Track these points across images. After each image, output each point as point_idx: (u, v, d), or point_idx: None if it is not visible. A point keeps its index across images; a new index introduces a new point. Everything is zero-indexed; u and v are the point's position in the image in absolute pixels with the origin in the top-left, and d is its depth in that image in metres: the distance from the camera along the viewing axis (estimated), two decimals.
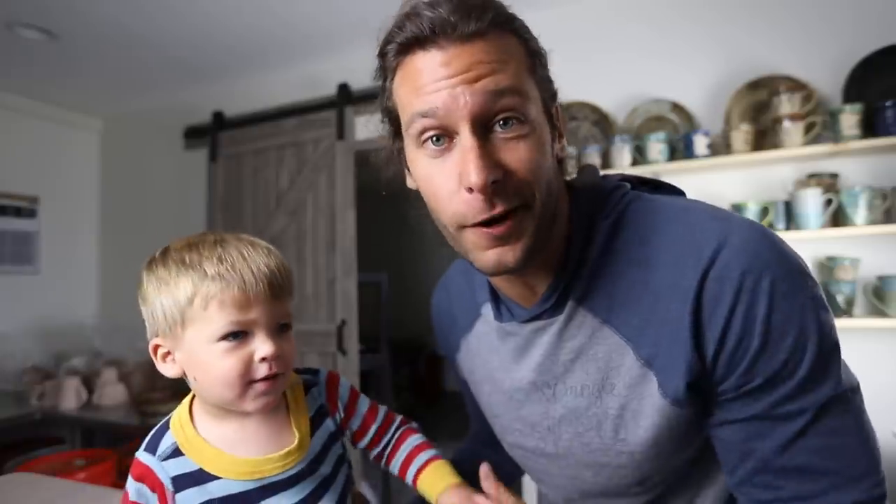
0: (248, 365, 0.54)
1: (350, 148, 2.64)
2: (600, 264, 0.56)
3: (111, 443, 2.54)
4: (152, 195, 3.25)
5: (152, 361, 0.59)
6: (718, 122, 1.94)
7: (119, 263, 3.36)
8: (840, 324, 1.67)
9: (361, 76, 2.62)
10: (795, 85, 1.81)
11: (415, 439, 0.72)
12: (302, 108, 2.74)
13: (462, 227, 0.51)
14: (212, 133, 2.98)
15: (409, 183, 0.59)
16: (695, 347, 0.50)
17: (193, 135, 3.07)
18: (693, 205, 0.56)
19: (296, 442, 0.59)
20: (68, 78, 2.83)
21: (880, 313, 1.67)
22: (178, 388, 2.33)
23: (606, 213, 0.57)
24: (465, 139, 0.48)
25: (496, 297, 0.65)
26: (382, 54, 0.54)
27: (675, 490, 0.61)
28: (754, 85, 1.89)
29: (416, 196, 0.59)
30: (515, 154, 0.49)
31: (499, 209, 0.49)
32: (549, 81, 0.55)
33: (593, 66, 2.14)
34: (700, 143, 1.86)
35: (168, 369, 0.58)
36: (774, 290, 0.48)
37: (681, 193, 0.64)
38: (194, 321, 0.54)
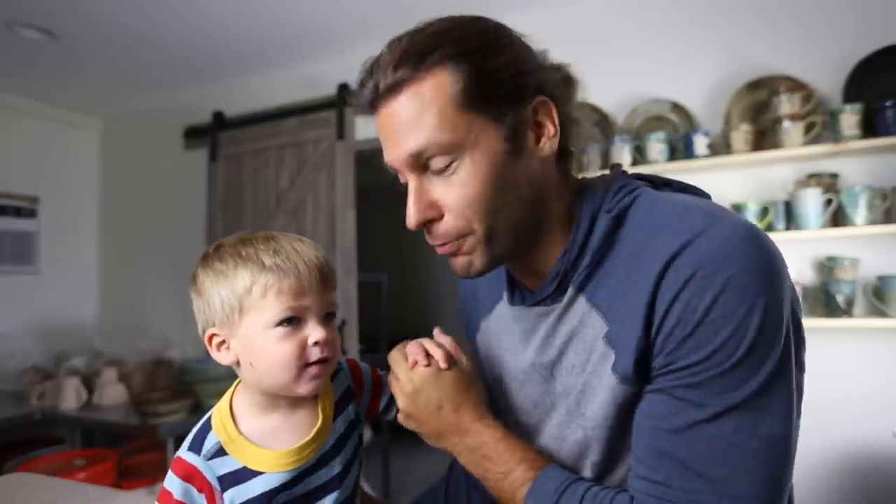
0: (303, 349, 0.58)
1: (350, 148, 2.64)
2: (600, 254, 0.58)
3: (111, 443, 2.54)
4: (152, 195, 3.25)
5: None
6: (718, 122, 1.94)
7: (119, 263, 3.36)
8: (840, 324, 1.67)
9: None
10: (795, 85, 1.81)
11: None
12: (302, 108, 2.74)
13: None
14: (212, 133, 2.98)
15: None
16: (644, 327, 0.52)
17: (193, 135, 3.07)
18: (697, 202, 0.57)
19: (320, 421, 0.63)
20: (68, 78, 2.83)
21: (880, 313, 1.67)
22: (178, 389, 2.33)
23: (610, 207, 0.59)
24: (410, 183, 0.58)
25: (512, 282, 0.69)
26: None
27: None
28: (754, 85, 1.89)
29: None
30: (448, 193, 0.56)
31: (437, 242, 0.59)
32: (509, 89, 0.56)
33: (593, 67, 2.12)
34: (700, 143, 1.86)
35: (223, 357, 0.61)
36: (726, 286, 0.49)
37: (706, 196, 0.64)
38: (252, 309, 0.58)
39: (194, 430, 0.60)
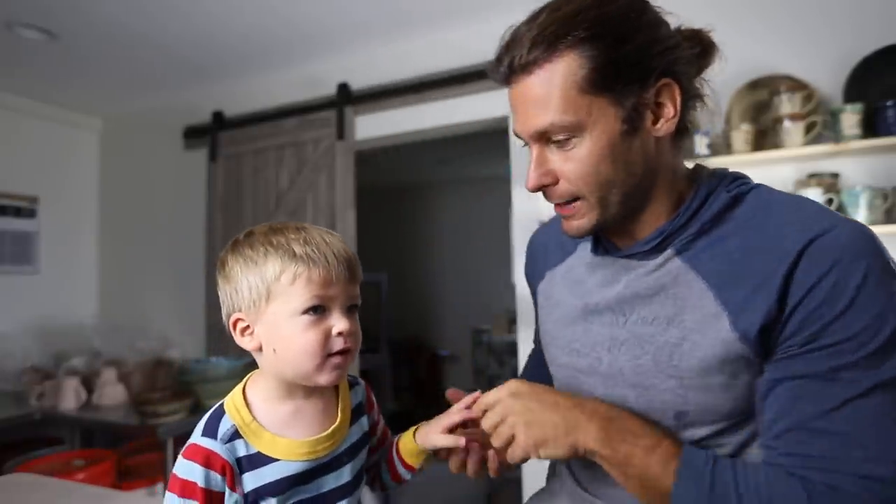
0: (327, 338, 0.59)
1: (350, 148, 2.64)
2: (710, 227, 0.63)
3: (111, 443, 2.54)
4: (152, 195, 3.25)
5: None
6: (719, 121, 1.93)
7: (119, 263, 3.36)
8: None
9: (361, 76, 2.62)
10: (796, 85, 1.81)
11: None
12: (302, 108, 2.74)
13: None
14: (212, 133, 2.98)
15: None
16: (778, 299, 0.55)
17: (193, 135, 3.06)
18: (815, 203, 0.63)
19: (338, 420, 0.64)
20: (68, 78, 2.83)
21: None
22: (178, 389, 2.33)
23: (730, 189, 0.65)
24: (533, 150, 0.65)
25: (597, 236, 0.74)
26: None
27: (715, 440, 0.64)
28: (755, 85, 1.88)
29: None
30: (566, 163, 0.62)
31: (554, 201, 0.66)
32: (631, 70, 0.60)
33: None
34: (700, 143, 1.86)
35: (247, 342, 0.62)
36: (869, 272, 0.53)
37: None
38: (279, 296, 0.59)
39: (205, 418, 0.60)
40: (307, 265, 0.59)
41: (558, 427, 0.61)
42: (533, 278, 0.88)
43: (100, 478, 1.93)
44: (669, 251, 0.65)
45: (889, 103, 1.64)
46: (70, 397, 2.38)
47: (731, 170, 0.69)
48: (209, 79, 2.90)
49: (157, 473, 2.18)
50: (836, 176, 1.77)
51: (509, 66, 0.62)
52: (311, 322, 0.59)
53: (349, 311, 0.62)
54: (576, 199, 0.64)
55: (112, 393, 2.42)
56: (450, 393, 0.76)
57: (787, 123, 1.74)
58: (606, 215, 0.64)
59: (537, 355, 0.93)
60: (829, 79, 1.81)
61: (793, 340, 0.55)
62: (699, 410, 0.62)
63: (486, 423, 0.65)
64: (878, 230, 1.62)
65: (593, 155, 0.61)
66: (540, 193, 0.67)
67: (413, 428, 0.72)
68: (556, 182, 0.64)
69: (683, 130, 0.67)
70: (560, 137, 0.61)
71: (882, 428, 0.52)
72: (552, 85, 0.60)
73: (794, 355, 0.55)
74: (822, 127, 1.76)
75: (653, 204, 0.66)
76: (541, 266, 0.85)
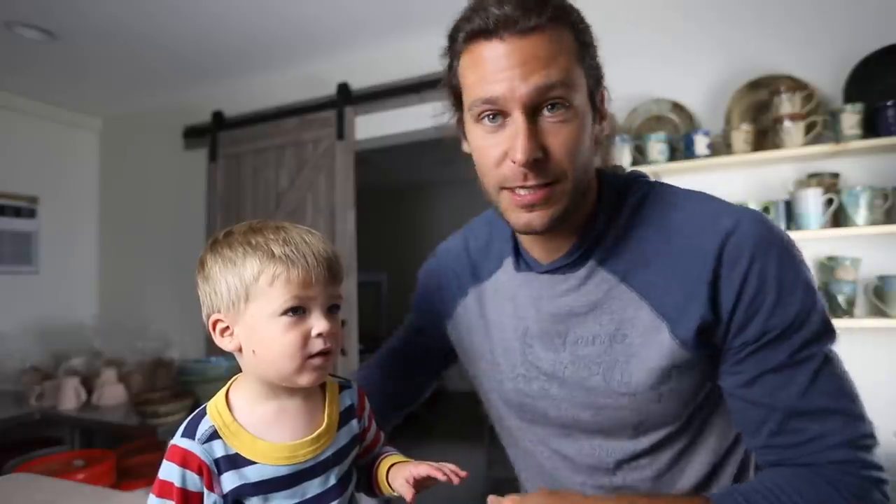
0: (307, 340, 0.58)
1: (350, 148, 2.64)
2: (625, 232, 0.65)
3: (110, 443, 2.53)
4: (152, 195, 3.25)
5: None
6: (719, 121, 1.93)
7: (118, 263, 3.36)
8: (841, 324, 1.66)
9: (361, 76, 2.62)
10: (796, 84, 1.81)
11: (387, 448, 0.75)
12: (302, 108, 2.74)
13: (502, 188, 0.61)
14: (212, 133, 2.98)
15: (465, 147, 0.69)
16: (710, 300, 0.59)
17: (193, 135, 3.06)
18: (708, 194, 0.66)
19: (324, 425, 0.62)
20: (68, 78, 2.83)
21: (881, 313, 1.67)
22: (178, 389, 2.33)
23: (634, 192, 0.67)
24: (518, 121, 0.58)
25: (517, 251, 0.73)
26: (452, 39, 0.62)
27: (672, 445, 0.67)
28: (755, 85, 1.88)
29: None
30: (558, 137, 0.58)
31: (531, 182, 0.59)
32: (597, 69, 0.64)
33: None
34: (700, 143, 1.86)
35: (226, 343, 0.61)
36: (782, 257, 0.58)
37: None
38: (258, 297, 0.58)
39: (187, 419, 0.60)
40: (286, 266, 0.58)
41: None
42: (448, 296, 0.83)
43: (100, 478, 1.92)
44: (592, 262, 0.65)
45: (889, 103, 1.64)
46: (70, 397, 2.38)
47: (615, 168, 0.72)
48: (209, 79, 2.90)
49: (157, 473, 2.18)
50: (836, 176, 1.77)
51: (508, 20, 0.56)
52: (290, 323, 0.58)
53: (330, 311, 0.61)
54: (557, 181, 0.60)
55: (112, 393, 2.42)
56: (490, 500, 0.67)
57: (787, 123, 1.74)
58: (570, 206, 0.62)
59: (403, 349, 0.92)
60: (829, 79, 1.81)
61: (745, 336, 0.58)
62: (655, 418, 0.64)
63: None
64: (878, 230, 1.63)
65: (579, 128, 0.59)
66: None
67: (396, 459, 0.70)
68: (546, 157, 0.58)
69: (600, 144, 0.68)
70: (558, 101, 0.57)
71: (843, 388, 0.58)
72: (562, 47, 0.58)
73: (752, 352, 0.58)
74: (822, 127, 1.76)
75: (581, 209, 0.65)
76: (464, 281, 0.81)
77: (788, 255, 0.59)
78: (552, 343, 0.68)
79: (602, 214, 0.66)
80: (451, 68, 0.64)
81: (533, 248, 0.71)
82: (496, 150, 0.60)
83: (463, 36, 0.59)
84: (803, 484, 0.56)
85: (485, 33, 0.57)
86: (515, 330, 0.72)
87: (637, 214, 0.65)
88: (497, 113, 0.59)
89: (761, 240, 0.58)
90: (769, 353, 0.58)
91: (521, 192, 0.60)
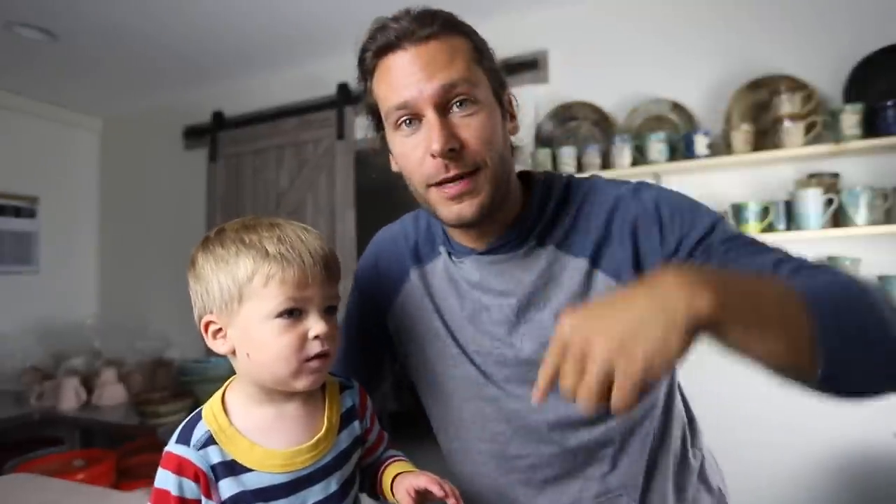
0: (303, 342, 0.56)
1: (350, 148, 2.64)
2: (559, 209, 0.72)
3: (110, 443, 2.53)
4: (152, 195, 3.25)
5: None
6: (719, 122, 1.93)
7: (118, 263, 3.36)
8: None
9: None
10: (796, 85, 1.81)
11: (393, 453, 0.73)
12: (302, 108, 2.74)
13: (428, 186, 0.65)
14: (212, 133, 2.98)
15: (394, 166, 0.72)
16: (633, 244, 0.68)
17: (193, 135, 3.06)
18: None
19: (324, 430, 0.60)
20: (68, 78, 2.82)
21: None
22: (178, 389, 2.33)
23: (560, 179, 0.75)
24: (430, 118, 0.62)
25: (449, 242, 0.77)
26: (361, 60, 0.68)
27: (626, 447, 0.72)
28: (755, 85, 1.88)
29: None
30: (470, 129, 0.63)
31: (453, 172, 0.63)
32: (497, 72, 0.69)
33: (593, 67, 2.14)
34: (700, 143, 1.86)
35: (218, 346, 0.58)
36: (657, 187, 0.71)
37: None
38: (252, 298, 0.55)
39: (182, 424, 0.57)
40: (281, 265, 0.55)
41: (657, 321, 0.43)
42: (390, 283, 0.83)
43: (100, 478, 1.92)
44: (532, 241, 0.71)
45: (889, 103, 1.64)
46: (70, 397, 2.37)
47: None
48: (209, 79, 2.90)
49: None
50: (836, 176, 1.77)
51: (407, 30, 0.62)
52: (285, 326, 0.55)
53: (327, 312, 0.59)
54: (477, 169, 0.64)
55: (112, 393, 2.42)
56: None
57: (787, 123, 1.74)
58: (496, 195, 0.65)
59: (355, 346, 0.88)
60: (829, 79, 1.81)
61: (690, 248, 0.65)
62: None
63: (566, 382, 0.45)
64: (878, 230, 1.63)
65: (489, 122, 0.64)
66: None
67: (402, 468, 0.67)
68: (462, 148, 0.62)
69: (514, 149, 0.73)
70: (463, 97, 0.62)
71: (762, 246, 0.63)
72: (455, 51, 0.63)
73: (695, 254, 0.65)
74: (822, 127, 1.76)
75: (508, 200, 0.70)
76: (406, 266, 0.81)
77: (669, 190, 0.70)
78: (501, 311, 0.72)
79: (535, 199, 0.72)
80: (366, 88, 0.69)
81: (464, 240, 0.74)
82: (417, 151, 0.64)
83: (370, 54, 0.65)
84: (817, 272, 0.58)
85: (389, 47, 0.63)
86: (459, 310, 0.75)
87: (566, 197, 0.73)
88: (412, 118, 0.64)
89: (638, 183, 0.72)
90: (707, 251, 0.63)
91: (447, 185, 0.63)
